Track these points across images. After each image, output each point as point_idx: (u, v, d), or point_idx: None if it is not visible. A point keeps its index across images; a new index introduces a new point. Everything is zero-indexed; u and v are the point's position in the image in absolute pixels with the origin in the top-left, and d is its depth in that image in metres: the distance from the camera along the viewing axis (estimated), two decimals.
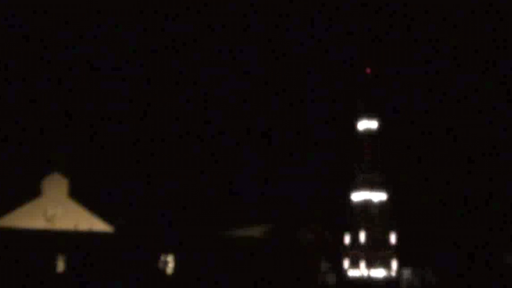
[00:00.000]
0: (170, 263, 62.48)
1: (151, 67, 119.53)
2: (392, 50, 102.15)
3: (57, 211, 70.34)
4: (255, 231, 79.65)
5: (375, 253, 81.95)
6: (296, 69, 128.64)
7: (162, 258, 62.30)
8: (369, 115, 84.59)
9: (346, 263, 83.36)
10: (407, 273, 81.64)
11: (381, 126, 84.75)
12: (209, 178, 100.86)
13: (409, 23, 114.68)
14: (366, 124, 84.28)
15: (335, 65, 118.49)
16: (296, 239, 75.90)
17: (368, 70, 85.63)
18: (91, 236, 62.50)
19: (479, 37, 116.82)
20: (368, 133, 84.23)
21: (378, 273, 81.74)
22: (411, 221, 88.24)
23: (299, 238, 77.49)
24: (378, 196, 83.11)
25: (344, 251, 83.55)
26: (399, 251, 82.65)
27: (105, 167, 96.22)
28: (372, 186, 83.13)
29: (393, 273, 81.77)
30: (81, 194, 72.44)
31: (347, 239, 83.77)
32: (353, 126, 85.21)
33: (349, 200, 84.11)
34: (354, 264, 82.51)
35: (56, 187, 71.39)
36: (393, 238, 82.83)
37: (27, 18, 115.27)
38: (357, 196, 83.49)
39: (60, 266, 59.69)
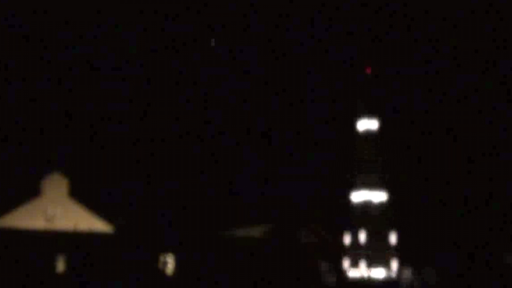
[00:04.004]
0: (170, 263, 62.48)
1: (151, 67, 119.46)
2: (392, 50, 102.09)
3: (57, 211, 70.31)
4: (255, 231, 79.62)
5: (375, 253, 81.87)
6: (296, 69, 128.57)
7: (162, 258, 62.30)
8: (369, 115, 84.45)
9: (346, 263, 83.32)
10: (407, 273, 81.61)
11: (381, 126, 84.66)
12: (209, 178, 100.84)
13: (409, 23, 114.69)
14: (366, 125, 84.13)
15: (335, 65, 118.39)
16: (296, 239, 75.88)
17: (368, 70, 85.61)
18: (91, 236, 62.50)
19: (479, 37, 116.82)
20: (368, 133, 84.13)
21: (378, 273, 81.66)
22: (411, 221, 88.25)
23: (299, 238, 77.45)
24: (378, 197, 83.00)
25: (344, 251, 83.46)
26: (399, 251, 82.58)
27: (105, 167, 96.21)
28: (371, 186, 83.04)
29: (393, 274, 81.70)
30: (81, 194, 72.40)
31: (347, 239, 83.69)
32: (353, 126, 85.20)
33: (349, 200, 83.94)
34: (354, 264, 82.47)
35: (56, 187, 71.35)
36: (393, 239, 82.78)
37: (27, 18, 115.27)
38: (357, 196, 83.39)
39: (60, 266, 59.68)
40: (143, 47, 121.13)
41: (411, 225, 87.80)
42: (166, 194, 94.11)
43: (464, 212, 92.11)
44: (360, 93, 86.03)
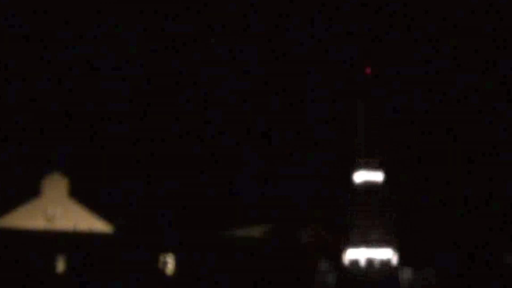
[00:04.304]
0: (170, 263, 62.52)
1: (151, 67, 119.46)
2: (392, 50, 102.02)
3: (57, 211, 70.35)
4: (255, 231, 79.65)
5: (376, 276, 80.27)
6: (296, 69, 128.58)
7: (162, 258, 62.32)
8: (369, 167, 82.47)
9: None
10: (407, 273, 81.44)
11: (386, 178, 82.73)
12: (209, 178, 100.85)
13: (409, 23, 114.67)
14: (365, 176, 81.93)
15: (335, 65, 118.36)
16: (296, 239, 75.88)
17: (368, 70, 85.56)
18: (91, 236, 62.53)
19: (479, 37, 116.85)
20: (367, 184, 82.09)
21: (377, 254, 79.53)
22: (411, 221, 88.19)
23: (299, 238, 77.43)
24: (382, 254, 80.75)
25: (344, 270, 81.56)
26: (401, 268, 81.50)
27: (105, 167, 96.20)
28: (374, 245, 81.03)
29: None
30: (81, 194, 72.44)
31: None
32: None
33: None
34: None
35: (56, 187, 71.40)
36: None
37: (27, 18, 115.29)
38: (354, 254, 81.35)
39: (60, 266, 59.70)
40: (143, 47, 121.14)
41: (411, 225, 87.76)
42: (166, 194, 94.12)
43: (464, 212, 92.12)
44: (360, 93, 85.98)
